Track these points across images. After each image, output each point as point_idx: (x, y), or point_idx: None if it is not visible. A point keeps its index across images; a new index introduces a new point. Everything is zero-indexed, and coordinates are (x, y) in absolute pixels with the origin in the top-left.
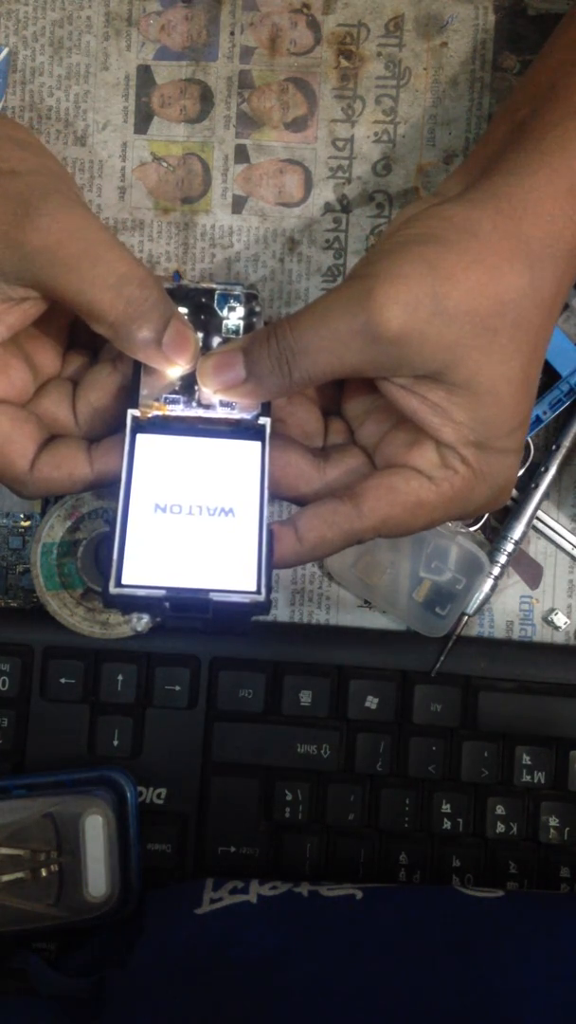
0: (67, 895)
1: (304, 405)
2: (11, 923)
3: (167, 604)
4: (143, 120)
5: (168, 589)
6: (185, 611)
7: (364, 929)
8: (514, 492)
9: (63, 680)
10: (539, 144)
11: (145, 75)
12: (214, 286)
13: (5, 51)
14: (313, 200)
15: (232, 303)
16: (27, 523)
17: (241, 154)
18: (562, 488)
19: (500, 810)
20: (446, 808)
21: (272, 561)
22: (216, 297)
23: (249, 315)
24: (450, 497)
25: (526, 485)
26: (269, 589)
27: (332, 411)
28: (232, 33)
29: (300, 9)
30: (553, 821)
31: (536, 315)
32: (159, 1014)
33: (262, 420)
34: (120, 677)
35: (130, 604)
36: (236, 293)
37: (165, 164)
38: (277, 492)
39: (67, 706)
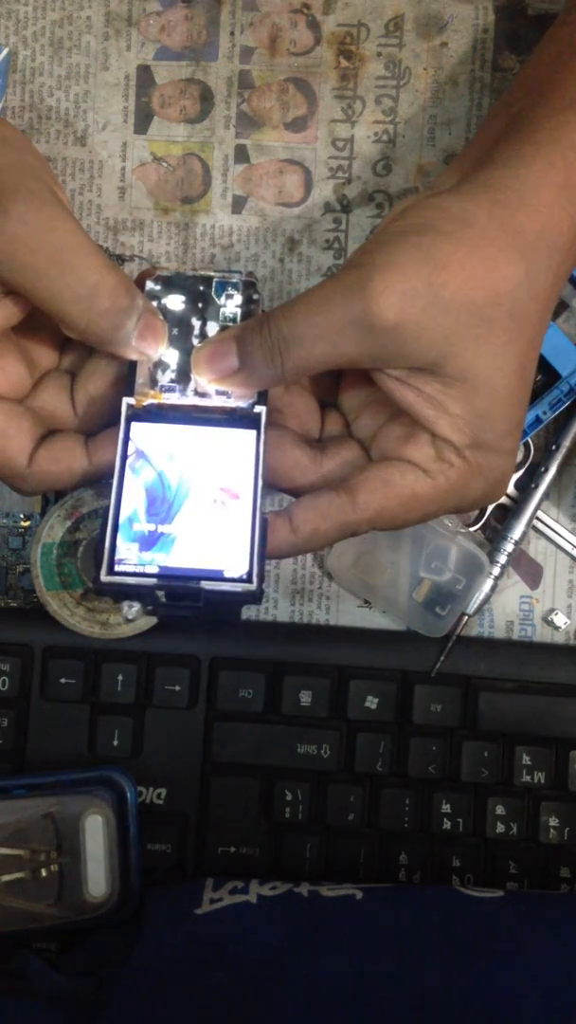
0: (67, 895)
1: (302, 396)
2: (11, 923)
3: (159, 592)
4: (143, 120)
5: (160, 577)
6: (176, 600)
7: (364, 929)
8: (514, 492)
9: (63, 680)
10: (533, 136)
11: (145, 75)
12: (212, 273)
13: (5, 51)
14: (313, 200)
15: (230, 291)
16: (27, 523)
17: (241, 154)
18: (562, 488)
19: (500, 810)
20: (446, 808)
21: (265, 551)
22: (214, 285)
23: (247, 303)
24: (445, 490)
25: (526, 485)
26: (261, 579)
27: (328, 402)
28: (232, 33)
29: (300, 9)
30: (553, 821)
31: (532, 306)
32: (159, 1014)
33: (258, 409)
34: (120, 677)
35: (122, 592)
36: (234, 280)
37: (165, 164)
38: (273, 482)
39: (67, 706)
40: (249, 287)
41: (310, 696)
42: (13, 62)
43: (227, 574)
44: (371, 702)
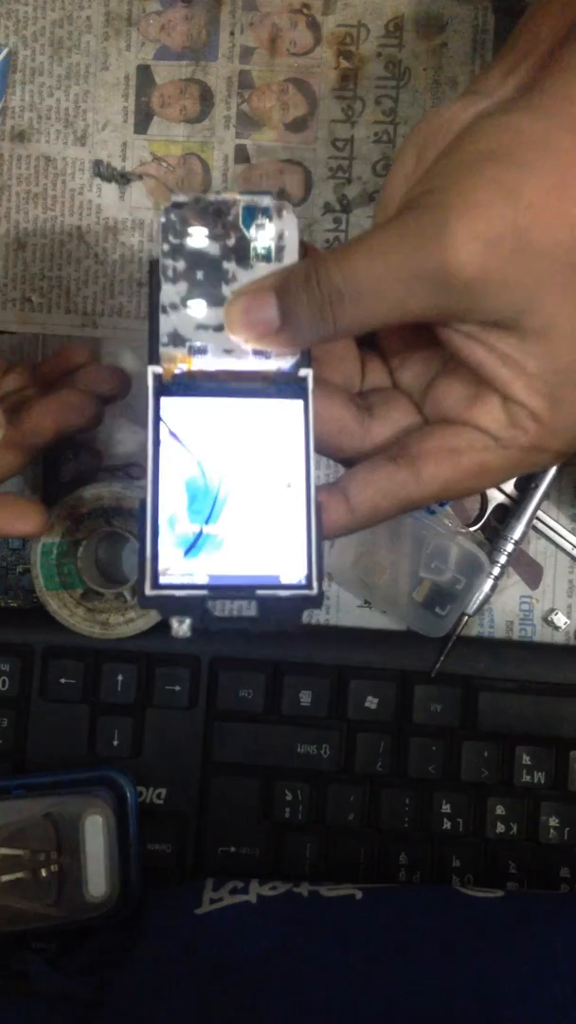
0: (67, 895)
1: (342, 341)
2: (11, 923)
3: (210, 603)
4: (143, 120)
5: (211, 589)
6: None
7: (364, 929)
8: (514, 492)
9: (63, 680)
10: None
11: (145, 75)
12: (238, 197)
13: (5, 51)
14: (313, 200)
15: (260, 219)
16: None
17: (241, 154)
18: (562, 488)
19: (500, 810)
20: (446, 808)
21: (322, 542)
22: (241, 211)
23: (282, 233)
24: (518, 459)
25: (526, 485)
26: (321, 579)
27: (364, 342)
28: (232, 33)
29: (300, 9)
30: (553, 821)
31: None
32: (159, 1014)
33: (303, 372)
34: (120, 677)
35: (169, 607)
36: (265, 205)
37: (165, 164)
38: (317, 450)
39: (67, 706)
40: (283, 211)
41: (310, 696)
42: (13, 62)
43: (284, 579)
44: (371, 702)
